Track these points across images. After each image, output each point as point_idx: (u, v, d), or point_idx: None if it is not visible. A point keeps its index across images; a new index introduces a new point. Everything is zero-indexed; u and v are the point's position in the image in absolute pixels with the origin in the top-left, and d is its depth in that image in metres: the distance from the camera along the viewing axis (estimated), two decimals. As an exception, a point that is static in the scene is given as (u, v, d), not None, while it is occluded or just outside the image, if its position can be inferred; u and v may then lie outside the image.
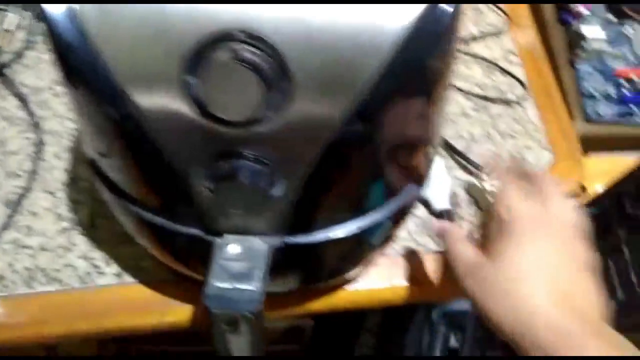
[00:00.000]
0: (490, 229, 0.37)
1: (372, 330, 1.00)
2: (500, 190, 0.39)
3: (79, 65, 0.26)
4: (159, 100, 0.27)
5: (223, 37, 0.25)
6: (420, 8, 0.25)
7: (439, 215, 0.50)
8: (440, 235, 0.41)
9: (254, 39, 0.25)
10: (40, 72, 0.57)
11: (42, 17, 0.26)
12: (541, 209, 0.36)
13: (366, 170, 0.32)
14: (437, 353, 0.92)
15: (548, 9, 0.66)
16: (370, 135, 0.29)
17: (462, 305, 0.94)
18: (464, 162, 0.55)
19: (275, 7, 0.25)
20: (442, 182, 0.50)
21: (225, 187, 0.29)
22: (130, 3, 0.25)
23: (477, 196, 0.53)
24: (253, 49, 0.25)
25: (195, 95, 0.27)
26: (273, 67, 0.26)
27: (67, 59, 0.27)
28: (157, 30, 0.25)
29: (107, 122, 0.28)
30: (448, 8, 0.26)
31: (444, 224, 0.42)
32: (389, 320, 0.99)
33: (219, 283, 0.33)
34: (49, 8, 0.25)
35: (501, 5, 0.65)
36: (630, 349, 0.31)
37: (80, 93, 0.28)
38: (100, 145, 0.32)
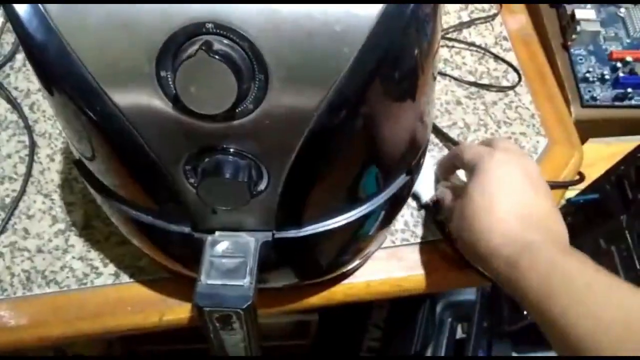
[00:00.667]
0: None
1: (378, 325, 1.00)
2: (462, 145, 0.46)
3: (51, 64, 0.26)
4: (135, 97, 0.27)
5: (194, 30, 0.25)
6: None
7: (426, 206, 0.50)
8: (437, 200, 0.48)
9: (226, 30, 0.25)
10: (30, 74, 0.57)
11: (9, 18, 0.26)
12: (492, 149, 0.42)
13: (351, 161, 0.32)
14: (444, 344, 0.92)
15: (540, -7, 0.66)
16: (351, 125, 0.28)
17: (467, 295, 0.93)
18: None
19: (247, -1, 0.25)
20: (428, 173, 0.50)
21: (208, 182, 0.29)
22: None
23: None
24: (225, 41, 0.25)
25: (170, 90, 0.26)
26: (246, 59, 0.25)
27: (38, 58, 0.26)
28: (127, 25, 0.25)
29: (86, 121, 0.28)
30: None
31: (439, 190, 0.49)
32: (394, 313, 0.99)
33: (209, 280, 0.33)
34: (15, 7, 0.25)
35: (492, -9, 0.64)
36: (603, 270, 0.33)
37: (56, 93, 0.28)
38: (83, 146, 0.32)
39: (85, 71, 0.26)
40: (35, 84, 0.57)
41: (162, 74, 0.26)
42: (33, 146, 0.53)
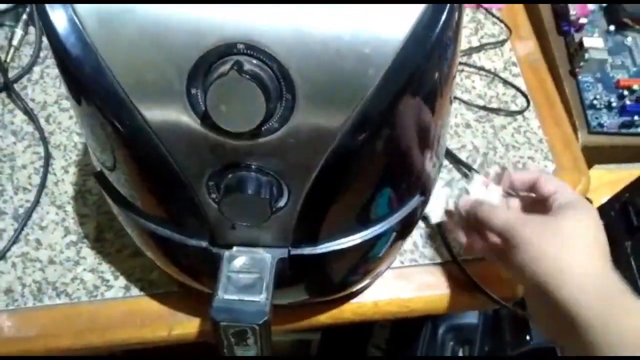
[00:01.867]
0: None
1: (379, 346, 1.00)
2: (557, 179, 0.43)
3: (84, 77, 0.27)
4: (165, 112, 0.27)
5: (225, 50, 0.26)
6: (417, 14, 0.26)
7: (439, 225, 0.50)
8: (470, 206, 0.44)
9: (256, 50, 0.26)
10: (46, 87, 0.58)
11: (46, 30, 0.26)
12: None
13: (370, 181, 0.32)
14: (445, 367, 0.91)
15: (548, 20, 0.67)
16: (373, 146, 0.29)
17: (469, 319, 0.93)
18: (465, 170, 0.55)
19: (277, 19, 0.25)
20: (437, 195, 0.50)
21: (231, 198, 0.30)
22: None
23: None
24: (255, 61, 0.26)
25: (199, 108, 0.27)
26: (275, 79, 0.26)
27: (72, 72, 0.27)
28: (161, 42, 0.26)
29: (114, 134, 0.29)
30: (446, 13, 0.26)
31: (471, 199, 0.45)
32: (396, 335, 0.99)
33: (226, 295, 0.33)
34: (53, 21, 0.26)
35: (501, 16, 0.66)
36: None
37: (86, 105, 0.29)
38: (107, 158, 0.32)
39: (117, 85, 0.27)
40: (51, 96, 0.58)
41: (193, 91, 0.27)
42: (48, 158, 0.54)
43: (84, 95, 0.28)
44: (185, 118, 0.27)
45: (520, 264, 0.38)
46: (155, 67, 0.26)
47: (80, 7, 0.26)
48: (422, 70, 0.27)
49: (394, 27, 0.26)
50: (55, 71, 0.59)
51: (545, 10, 0.68)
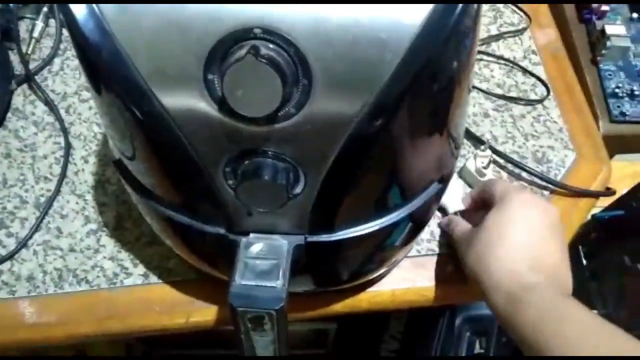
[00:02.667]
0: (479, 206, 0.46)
1: (395, 336, 1.00)
2: (494, 180, 0.48)
3: (103, 65, 0.27)
4: (182, 99, 0.28)
5: (243, 35, 0.26)
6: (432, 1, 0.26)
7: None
8: (446, 226, 0.49)
9: (274, 35, 0.26)
10: (66, 78, 0.59)
11: (66, 18, 0.27)
12: (521, 188, 0.46)
13: (387, 168, 0.32)
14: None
15: (569, 8, 0.66)
16: (390, 132, 0.29)
17: (486, 310, 0.93)
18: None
19: (295, 4, 0.25)
20: (454, 185, 0.50)
21: (248, 184, 0.30)
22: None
23: (468, 179, 0.54)
24: (272, 46, 0.26)
25: (216, 93, 0.27)
26: (292, 64, 0.26)
27: (91, 59, 0.27)
28: (178, 28, 0.26)
29: (132, 121, 0.29)
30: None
31: (448, 216, 0.50)
32: (412, 325, 0.99)
33: (243, 281, 0.34)
34: (72, 9, 0.26)
35: (521, 5, 0.65)
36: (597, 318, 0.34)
37: (105, 93, 0.29)
38: (126, 145, 0.33)
39: (136, 72, 0.27)
40: (71, 87, 0.58)
41: (210, 76, 0.27)
42: (68, 148, 0.54)
43: (103, 82, 0.28)
44: (202, 104, 0.28)
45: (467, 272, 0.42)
46: (172, 53, 0.26)
47: (99, -7, 0.26)
48: (439, 56, 0.27)
49: (411, 12, 0.25)
50: (75, 62, 0.60)
51: (566, -3, 0.67)
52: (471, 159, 0.53)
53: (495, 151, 0.54)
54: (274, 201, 0.31)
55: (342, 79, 0.27)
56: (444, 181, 0.38)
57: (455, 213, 0.50)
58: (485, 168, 0.52)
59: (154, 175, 0.34)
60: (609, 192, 0.53)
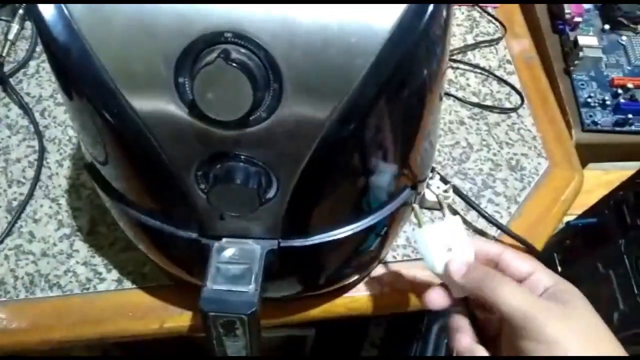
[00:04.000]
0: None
1: (374, 343, 1.00)
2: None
3: (73, 66, 0.27)
4: (152, 101, 0.28)
5: (212, 38, 0.26)
6: (405, 5, 0.26)
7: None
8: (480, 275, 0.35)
9: (243, 39, 0.26)
10: (42, 81, 0.58)
11: (34, 18, 0.27)
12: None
13: (359, 173, 0.32)
14: (440, 366, 0.91)
15: (543, 18, 0.67)
16: (361, 136, 0.29)
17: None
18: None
19: (265, 9, 0.26)
20: (434, 239, 0.37)
21: (219, 188, 0.30)
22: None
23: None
24: (242, 50, 0.26)
25: (187, 96, 0.27)
26: (263, 68, 0.26)
27: (60, 60, 0.27)
28: (148, 30, 0.26)
29: (103, 124, 0.29)
30: (433, 4, 0.26)
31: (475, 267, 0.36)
32: (391, 332, 0.99)
33: (215, 286, 0.34)
34: (41, 10, 0.26)
35: (496, 14, 0.66)
36: None
37: (75, 96, 0.29)
38: (97, 149, 0.33)
39: (105, 74, 0.27)
40: (47, 90, 0.58)
41: (180, 80, 0.27)
42: (43, 151, 0.54)
43: (72, 84, 0.28)
44: (173, 107, 0.28)
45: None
46: (143, 55, 0.26)
47: (69, -5, 0.26)
48: (409, 60, 0.27)
49: (381, 17, 0.26)
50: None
51: (541, 8, 0.68)
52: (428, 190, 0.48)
53: (456, 191, 0.52)
54: (245, 206, 0.31)
55: (313, 83, 0.27)
56: (417, 187, 0.38)
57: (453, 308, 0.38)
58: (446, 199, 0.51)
59: (125, 179, 0.34)
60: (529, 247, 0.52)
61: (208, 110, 0.26)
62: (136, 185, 0.34)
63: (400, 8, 0.26)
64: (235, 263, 0.34)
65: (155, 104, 0.28)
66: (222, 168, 0.30)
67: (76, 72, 0.27)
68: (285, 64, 0.26)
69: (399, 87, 0.28)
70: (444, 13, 0.28)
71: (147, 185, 0.34)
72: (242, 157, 0.30)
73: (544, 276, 0.35)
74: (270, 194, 0.32)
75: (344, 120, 0.28)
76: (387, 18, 0.26)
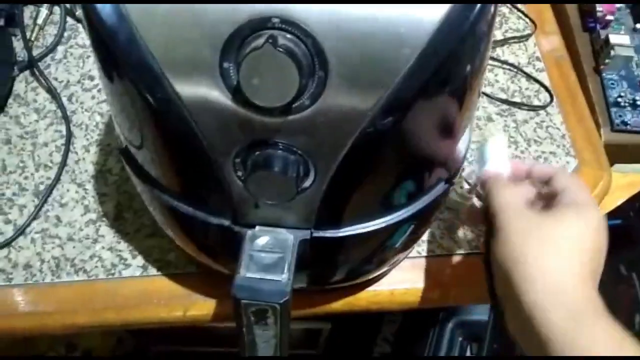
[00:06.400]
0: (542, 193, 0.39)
1: (388, 339, 1.00)
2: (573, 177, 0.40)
3: (119, 49, 0.27)
4: (196, 86, 0.27)
5: (260, 24, 0.26)
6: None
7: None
8: (486, 180, 0.39)
9: (291, 25, 0.25)
10: (69, 66, 0.59)
11: (83, 3, 0.27)
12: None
13: (397, 164, 0.32)
14: (453, 363, 0.91)
15: (574, 16, 0.66)
16: (403, 128, 0.29)
17: (479, 315, 0.93)
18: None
19: (314, -4, 0.25)
20: (496, 141, 0.42)
21: (257, 176, 0.30)
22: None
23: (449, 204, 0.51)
24: (289, 36, 0.26)
25: (231, 82, 0.27)
26: (309, 55, 0.26)
27: (107, 43, 0.27)
28: (195, 15, 0.26)
29: (144, 108, 0.29)
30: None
31: (492, 172, 0.39)
32: (405, 329, 0.99)
33: (248, 274, 0.33)
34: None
35: (526, 11, 0.65)
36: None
37: (118, 79, 0.29)
38: (135, 133, 0.33)
39: (150, 58, 0.27)
40: (74, 75, 0.58)
41: (225, 65, 0.26)
42: (70, 136, 0.54)
43: (116, 67, 0.28)
44: (216, 92, 0.27)
45: (495, 256, 0.35)
46: (189, 40, 0.26)
47: (118, -22, 0.26)
48: (456, 54, 0.27)
49: (431, 8, 0.25)
50: (79, 51, 0.59)
51: (571, 6, 0.67)
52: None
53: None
54: (283, 194, 0.31)
55: (358, 72, 0.27)
56: (451, 180, 0.38)
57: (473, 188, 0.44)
58: (469, 192, 0.51)
59: (162, 164, 0.34)
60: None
61: (253, 96, 0.26)
62: (173, 171, 0.34)
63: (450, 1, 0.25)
64: (269, 252, 0.34)
65: (199, 89, 0.27)
66: (261, 155, 0.30)
67: (122, 55, 0.27)
68: (331, 51, 0.26)
69: (443, 80, 0.28)
70: (492, 8, 0.27)
71: (184, 170, 0.34)
72: (281, 145, 0.30)
73: (566, 194, 0.37)
74: (307, 183, 0.32)
75: (387, 111, 0.28)
76: (436, 10, 0.26)
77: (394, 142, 0.30)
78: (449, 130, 0.32)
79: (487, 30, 0.29)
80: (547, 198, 0.39)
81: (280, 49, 0.25)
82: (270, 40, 0.25)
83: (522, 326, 0.33)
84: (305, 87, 0.27)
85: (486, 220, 0.38)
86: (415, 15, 0.26)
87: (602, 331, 0.31)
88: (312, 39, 0.26)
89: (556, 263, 0.33)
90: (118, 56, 0.27)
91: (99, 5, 0.26)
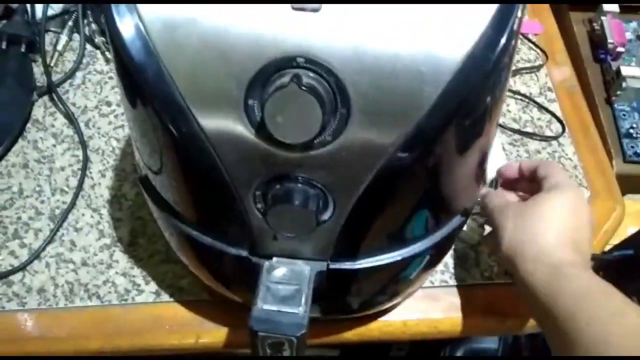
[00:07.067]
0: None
1: (395, 366, 0.99)
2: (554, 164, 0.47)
3: (146, 83, 0.27)
4: (220, 121, 0.28)
5: (285, 63, 0.26)
6: (476, 36, 0.26)
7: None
8: (482, 198, 0.45)
9: (315, 64, 0.26)
10: (87, 92, 0.59)
11: (113, 37, 0.27)
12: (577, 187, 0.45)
13: (417, 199, 0.32)
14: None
15: (584, 47, 0.67)
16: (424, 163, 0.29)
17: (488, 343, 0.92)
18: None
19: (336, 35, 0.26)
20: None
21: (277, 209, 0.30)
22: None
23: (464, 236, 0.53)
24: (312, 74, 0.26)
25: (255, 118, 0.28)
26: (331, 93, 0.26)
27: (134, 78, 0.28)
28: (222, 52, 0.26)
29: (169, 140, 0.29)
30: (506, 36, 0.26)
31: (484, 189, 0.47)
32: (414, 357, 0.98)
33: (265, 305, 0.34)
34: (120, 29, 0.27)
35: (537, 41, 0.66)
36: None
37: (143, 110, 0.29)
38: (156, 162, 0.33)
39: (177, 92, 0.27)
40: (92, 101, 0.59)
41: (250, 102, 0.27)
42: (86, 161, 0.54)
43: (143, 99, 0.29)
44: (240, 127, 0.28)
45: (498, 249, 0.41)
46: (215, 76, 0.27)
47: (146, 15, 0.26)
48: (478, 92, 0.27)
49: (453, 46, 0.26)
50: (97, 77, 0.60)
51: (582, 37, 0.68)
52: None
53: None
54: (302, 227, 0.31)
55: (380, 110, 0.27)
56: (467, 214, 0.38)
57: (491, 183, 0.50)
58: (480, 227, 0.52)
59: (183, 194, 0.34)
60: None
61: (276, 132, 0.27)
62: (193, 201, 0.35)
63: (473, 39, 0.26)
64: (286, 283, 0.34)
65: (223, 124, 0.28)
66: (281, 189, 0.30)
67: (149, 88, 0.27)
68: (353, 89, 0.27)
69: (464, 116, 0.28)
70: (512, 43, 0.28)
71: (204, 201, 0.34)
72: (302, 178, 0.30)
73: (547, 180, 0.43)
74: (326, 216, 0.32)
75: (408, 147, 0.28)
76: (458, 48, 0.26)
77: (414, 177, 0.30)
78: (469, 164, 0.33)
79: (508, 65, 0.29)
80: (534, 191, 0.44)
81: (305, 88, 0.25)
82: (295, 80, 0.25)
83: (525, 299, 0.39)
84: (327, 124, 0.27)
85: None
86: (437, 54, 0.26)
87: (582, 283, 0.36)
88: (334, 77, 0.26)
89: (537, 237, 0.39)
90: (145, 90, 0.28)
91: (128, 40, 0.26)
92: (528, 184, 0.47)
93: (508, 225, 0.41)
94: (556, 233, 0.39)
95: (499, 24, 0.26)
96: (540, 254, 0.38)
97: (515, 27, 0.27)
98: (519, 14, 0.27)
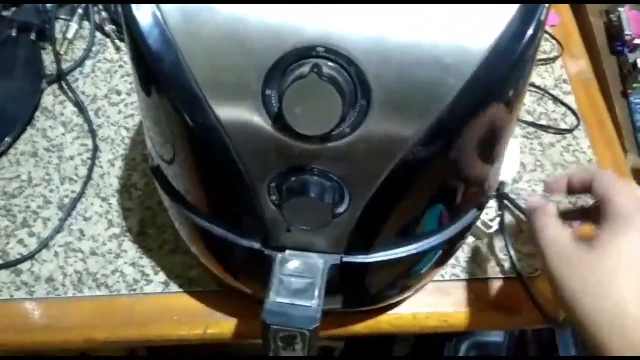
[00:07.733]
0: (592, 214, 0.37)
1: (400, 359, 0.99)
2: (612, 179, 0.36)
3: (163, 73, 0.27)
4: (237, 112, 0.27)
5: (304, 52, 0.25)
6: (503, 26, 0.25)
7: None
8: (531, 211, 0.37)
9: (335, 54, 0.25)
10: (97, 80, 0.59)
11: (129, 25, 0.27)
12: None
13: (434, 192, 0.32)
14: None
15: (601, 39, 0.66)
16: (443, 157, 0.29)
17: (494, 337, 0.92)
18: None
19: (358, 23, 0.25)
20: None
21: (293, 202, 0.30)
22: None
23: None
24: (333, 64, 0.25)
25: (272, 109, 0.27)
26: (352, 84, 0.26)
27: (151, 67, 0.27)
28: (240, 42, 0.26)
29: (184, 130, 0.29)
30: (533, 26, 0.25)
31: (536, 198, 0.38)
32: (418, 350, 0.97)
33: (278, 299, 0.33)
34: (137, 17, 0.26)
35: (553, 33, 0.65)
36: None
37: (159, 100, 0.29)
38: (170, 152, 0.32)
39: (194, 82, 0.27)
40: (102, 90, 0.58)
41: (268, 92, 0.26)
42: (95, 150, 0.54)
43: (159, 89, 0.28)
44: (257, 118, 0.27)
45: (556, 297, 0.34)
46: (233, 66, 0.26)
47: (164, 3, 0.26)
48: (503, 83, 0.26)
49: (479, 37, 0.25)
50: (106, 66, 0.60)
51: (599, 29, 0.67)
52: None
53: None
54: (318, 220, 0.30)
55: (401, 102, 0.26)
56: (482, 208, 0.38)
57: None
58: (491, 221, 0.51)
59: (196, 185, 0.34)
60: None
61: (294, 123, 0.26)
62: (207, 192, 0.34)
63: (499, 29, 0.25)
64: (299, 276, 0.34)
65: (240, 114, 0.27)
66: (297, 181, 0.29)
67: (166, 79, 0.27)
68: (375, 80, 0.26)
69: (487, 109, 0.27)
70: (539, 35, 0.27)
71: (218, 192, 0.33)
72: (319, 171, 0.29)
73: (608, 206, 0.34)
74: (341, 209, 0.31)
75: (429, 140, 0.27)
76: (483, 39, 0.25)
77: (433, 171, 0.30)
78: (488, 158, 0.32)
79: (532, 57, 0.28)
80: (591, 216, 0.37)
81: (325, 78, 0.25)
82: (315, 70, 0.25)
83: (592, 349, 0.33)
84: (346, 116, 0.26)
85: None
86: (463, 45, 0.25)
87: None
88: (355, 68, 0.26)
89: (611, 302, 0.32)
90: (161, 79, 0.27)
91: (145, 29, 0.26)
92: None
93: (565, 273, 0.33)
94: (636, 290, 0.32)
95: (527, 14, 0.25)
96: (619, 326, 0.31)
97: (542, 17, 0.26)
98: (547, 4, 0.26)
